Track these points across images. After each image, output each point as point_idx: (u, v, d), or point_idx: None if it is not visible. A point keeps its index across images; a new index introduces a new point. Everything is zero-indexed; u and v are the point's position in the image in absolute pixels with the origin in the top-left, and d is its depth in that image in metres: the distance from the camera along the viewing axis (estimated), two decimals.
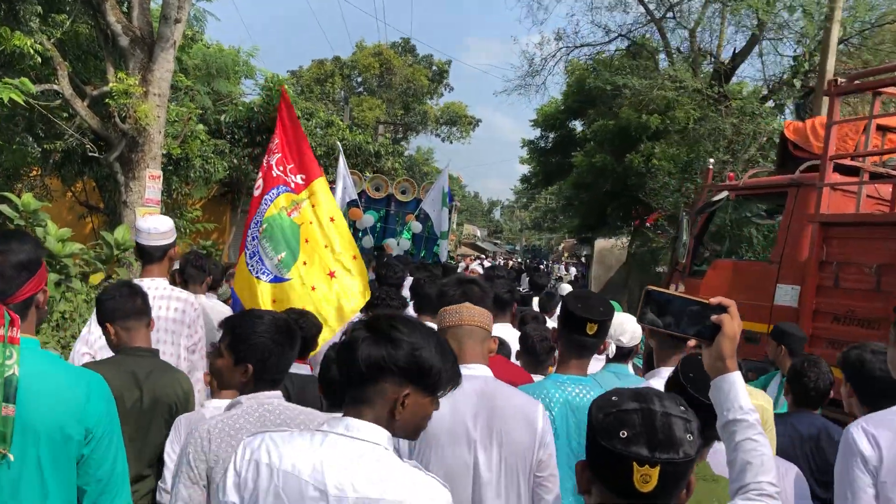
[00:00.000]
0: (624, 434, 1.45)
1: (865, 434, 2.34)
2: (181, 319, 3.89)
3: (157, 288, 3.86)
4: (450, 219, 14.70)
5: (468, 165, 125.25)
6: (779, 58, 13.44)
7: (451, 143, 39.25)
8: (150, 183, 8.95)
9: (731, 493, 1.79)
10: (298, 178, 4.85)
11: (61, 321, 5.71)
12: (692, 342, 2.07)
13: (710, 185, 7.62)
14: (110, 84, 8.64)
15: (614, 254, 23.41)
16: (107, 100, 8.65)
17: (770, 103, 11.06)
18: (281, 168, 4.81)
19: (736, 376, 1.83)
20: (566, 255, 41.42)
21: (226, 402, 2.61)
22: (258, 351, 2.48)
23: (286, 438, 1.81)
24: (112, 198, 10.65)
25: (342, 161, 12.91)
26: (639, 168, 16.04)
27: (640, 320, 1.97)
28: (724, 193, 7.25)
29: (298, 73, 35.79)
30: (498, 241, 74.67)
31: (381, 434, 1.78)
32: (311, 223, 4.74)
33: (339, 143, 14.92)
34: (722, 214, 7.33)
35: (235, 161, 15.37)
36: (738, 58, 13.03)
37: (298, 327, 2.86)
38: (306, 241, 4.69)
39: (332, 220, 4.74)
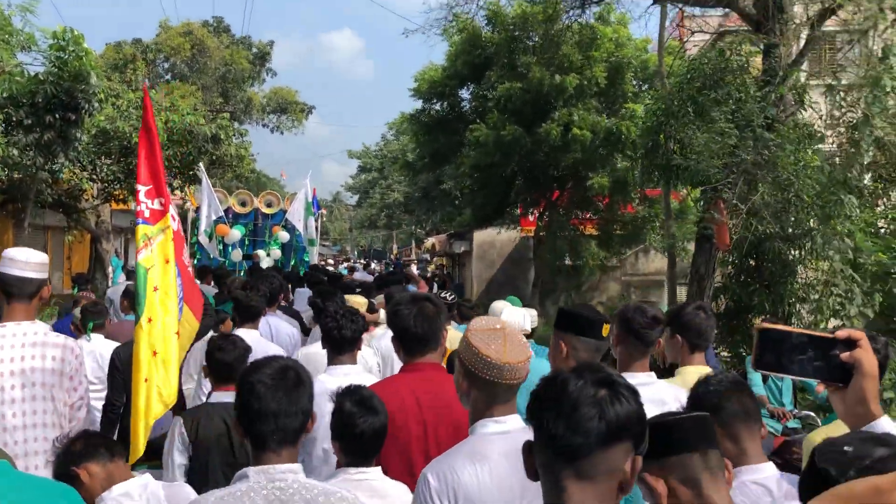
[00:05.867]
0: None
1: None
2: (60, 370, 3.12)
3: (25, 333, 3.08)
4: (316, 227, 15.30)
5: (289, 163, 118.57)
6: None
7: (282, 133, 34.83)
8: None
9: None
10: (156, 203, 3.91)
11: None
12: (820, 387, 1.51)
13: None
14: None
15: (496, 248, 20.69)
16: None
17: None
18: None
19: (886, 422, 1.45)
20: (429, 254, 37.68)
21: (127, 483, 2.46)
22: None
23: None
24: None
25: (206, 179, 13.05)
26: (556, 140, 13.22)
27: (756, 366, 1.56)
28: None
29: None
30: (326, 244, 70.65)
31: None
32: (166, 262, 3.86)
33: (201, 164, 14.21)
34: None
35: (16, 152, 10.76)
36: None
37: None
38: (155, 288, 3.74)
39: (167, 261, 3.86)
